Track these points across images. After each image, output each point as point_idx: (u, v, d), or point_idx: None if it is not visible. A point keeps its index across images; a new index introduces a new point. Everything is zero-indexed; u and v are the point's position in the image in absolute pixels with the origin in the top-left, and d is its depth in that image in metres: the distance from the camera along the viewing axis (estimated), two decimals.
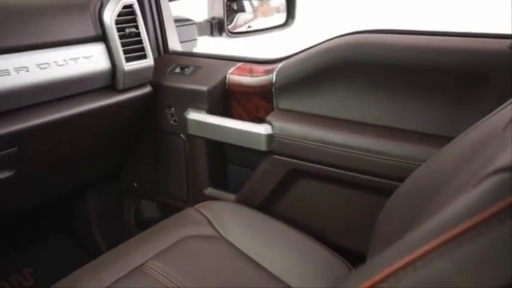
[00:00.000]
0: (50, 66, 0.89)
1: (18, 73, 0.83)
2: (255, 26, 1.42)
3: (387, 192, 0.72)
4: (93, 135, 1.08)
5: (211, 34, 1.36)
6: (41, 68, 0.87)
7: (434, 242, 0.27)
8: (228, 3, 1.32)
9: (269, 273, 0.82)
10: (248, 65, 1.11)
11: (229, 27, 1.35)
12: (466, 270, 0.26)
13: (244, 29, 1.41)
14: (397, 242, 0.34)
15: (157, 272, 0.79)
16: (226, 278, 0.80)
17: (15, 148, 0.87)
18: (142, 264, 0.81)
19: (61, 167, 1.07)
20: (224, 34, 1.33)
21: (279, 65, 1.05)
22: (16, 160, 0.89)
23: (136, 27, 1.03)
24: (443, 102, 0.86)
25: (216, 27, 1.34)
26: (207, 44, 1.43)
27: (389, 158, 0.87)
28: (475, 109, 0.81)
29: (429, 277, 0.27)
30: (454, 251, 0.26)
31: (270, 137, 1.01)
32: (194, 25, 1.37)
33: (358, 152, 0.90)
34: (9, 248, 1.27)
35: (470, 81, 0.83)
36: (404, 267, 0.28)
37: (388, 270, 0.29)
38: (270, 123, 1.01)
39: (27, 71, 0.85)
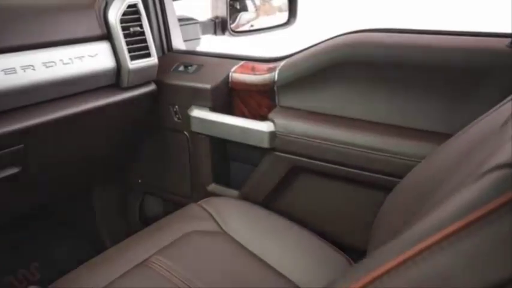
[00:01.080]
0: (55, 64, 0.90)
1: (24, 71, 0.85)
2: (257, 25, 1.43)
3: (388, 188, 0.73)
4: (98, 132, 1.08)
5: (215, 33, 1.36)
6: (47, 67, 0.88)
7: (435, 237, 0.28)
8: (231, 2, 1.32)
9: (271, 269, 0.83)
10: (251, 63, 1.12)
11: (232, 26, 1.35)
12: (466, 265, 0.26)
13: (246, 28, 1.41)
14: (397, 237, 0.34)
15: (161, 267, 0.80)
16: (228, 273, 0.81)
17: (22, 145, 0.88)
18: (146, 260, 0.81)
19: (66, 164, 1.08)
20: (227, 33, 1.33)
21: (281, 63, 1.06)
22: (22, 157, 0.90)
23: (141, 26, 1.04)
24: (443, 100, 0.86)
25: (219, 26, 1.34)
26: (209, 43, 1.44)
27: (390, 155, 0.88)
28: (474, 107, 0.81)
29: (430, 271, 0.27)
30: (454, 245, 0.27)
31: (272, 135, 1.02)
32: (197, 24, 1.38)
33: (359, 149, 0.91)
34: (15, 243, 1.28)
35: (470, 79, 0.83)
36: (404, 262, 0.29)
37: (388, 265, 0.30)
38: (272, 121, 1.02)
39: (34, 69, 0.86)
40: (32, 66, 0.86)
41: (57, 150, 1.01)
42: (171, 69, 1.17)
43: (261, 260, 0.85)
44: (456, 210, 0.29)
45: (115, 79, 1.03)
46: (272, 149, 1.04)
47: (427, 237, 0.28)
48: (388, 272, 0.29)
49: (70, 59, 0.92)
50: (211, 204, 0.99)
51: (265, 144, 1.03)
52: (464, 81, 0.84)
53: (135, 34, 1.02)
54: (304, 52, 1.03)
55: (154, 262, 0.81)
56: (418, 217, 0.39)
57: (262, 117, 1.07)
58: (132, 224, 1.37)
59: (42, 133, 0.91)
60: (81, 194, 1.35)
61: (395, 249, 0.32)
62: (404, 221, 0.50)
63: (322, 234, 0.94)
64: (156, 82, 1.13)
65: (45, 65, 0.88)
